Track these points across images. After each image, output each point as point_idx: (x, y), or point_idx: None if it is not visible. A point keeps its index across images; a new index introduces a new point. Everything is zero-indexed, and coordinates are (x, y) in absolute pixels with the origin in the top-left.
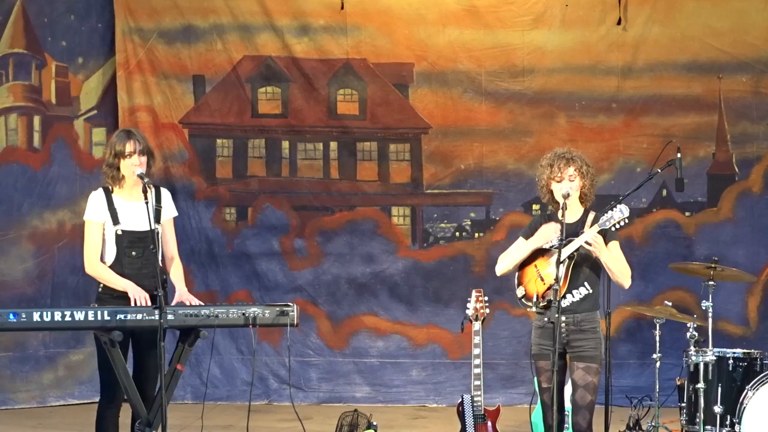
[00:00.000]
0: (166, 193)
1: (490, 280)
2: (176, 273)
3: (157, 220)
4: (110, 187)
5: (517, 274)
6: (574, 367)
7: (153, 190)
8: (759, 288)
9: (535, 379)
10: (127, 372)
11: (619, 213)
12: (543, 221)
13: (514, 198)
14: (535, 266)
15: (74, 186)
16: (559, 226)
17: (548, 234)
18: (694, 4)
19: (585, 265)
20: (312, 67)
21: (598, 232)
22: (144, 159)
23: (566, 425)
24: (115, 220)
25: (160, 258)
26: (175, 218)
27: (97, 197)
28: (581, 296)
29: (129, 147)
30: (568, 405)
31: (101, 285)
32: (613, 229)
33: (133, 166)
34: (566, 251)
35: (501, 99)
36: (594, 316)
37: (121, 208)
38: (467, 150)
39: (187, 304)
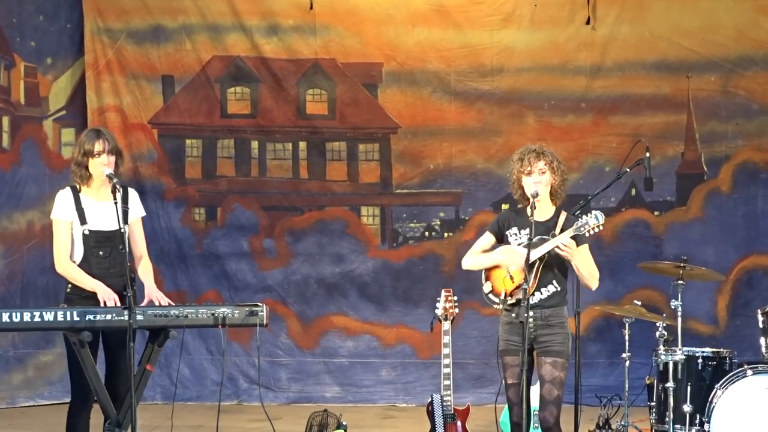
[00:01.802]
0: (133, 194)
1: (459, 279)
2: (145, 271)
3: (125, 220)
4: (78, 186)
5: (485, 269)
6: (541, 362)
7: (121, 190)
8: (728, 287)
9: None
10: (97, 372)
11: (594, 220)
12: (511, 216)
13: (483, 197)
14: None
15: (43, 186)
16: (524, 255)
17: (514, 259)
18: (663, 4)
19: (554, 265)
20: (281, 67)
21: (572, 237)
22: (112, 159)
23: (535, 424)
24: (83, 220)
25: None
26: (143, 218)
27: (64, 196)
28: (549, 294)
29: (98, 146)
30: (534, 404)
31: (69, 285)
32: (587, 235)
33: (101, 165)
34: (537, 253)
35: (470, 99)
36: (561, 311)
37: (89, 207)
38: (436, 150)
39: (155, 301)
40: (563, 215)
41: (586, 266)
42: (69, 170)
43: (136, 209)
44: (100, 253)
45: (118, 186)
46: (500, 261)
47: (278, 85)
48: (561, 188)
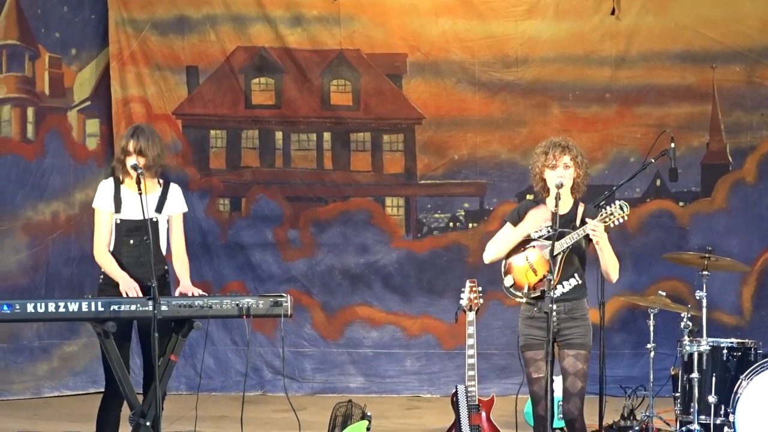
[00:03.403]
0: (175, 188)
1: (483, 270)
2: (181, 266)
3: (160, 211)
4: (121, 178)
5: (504, 263)
6: (564, 355)
7: (144, 180)
8: (753, 278)
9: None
10: (121, 363)
11: (620, 210)
12: (531, 207)
13: (507, 188)
14: (526, 257)
15: (68, 177)
16: (548, 212)
17: (538, 220)
18: None
19: (575, 257)
20: (305, 57)
21: None
22: (141, 160)
23: (559, 415)
24: (117, 209)
25: (165, 249)
26: (184, 214)
27: (105, 186)
28: (571, 287)
29: (131, 145)
30: (557, 395)
31: (102, 275)
32: (612, 225)
33: (132, 162)
34: (563, 245)
35: (494, 89)
36: (583, 304)
37: (126, 198)
38: (461, 140)
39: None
40: (581, 206)
41: (610, 254)
42: (93, 161)
43: (176, 204)
44: (131, 242)
45: (142, 176)
46: (527, 229)
47: (302, 76)
48: (583, 181)
